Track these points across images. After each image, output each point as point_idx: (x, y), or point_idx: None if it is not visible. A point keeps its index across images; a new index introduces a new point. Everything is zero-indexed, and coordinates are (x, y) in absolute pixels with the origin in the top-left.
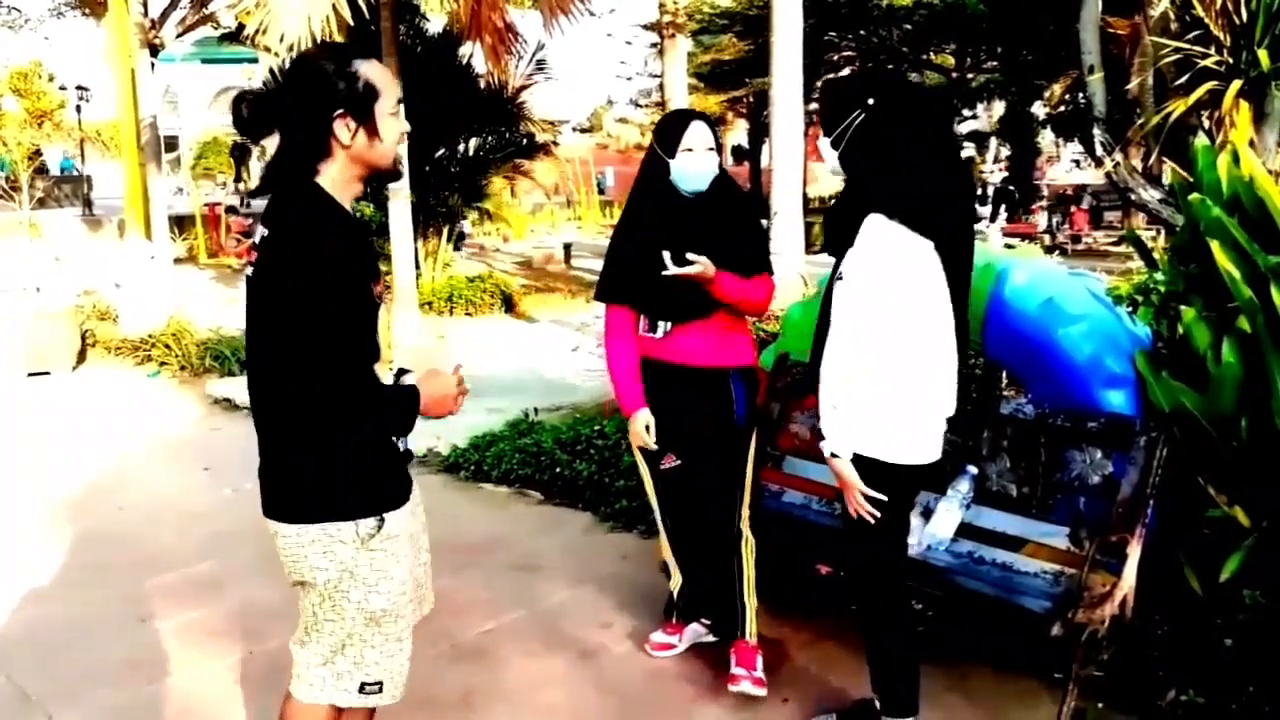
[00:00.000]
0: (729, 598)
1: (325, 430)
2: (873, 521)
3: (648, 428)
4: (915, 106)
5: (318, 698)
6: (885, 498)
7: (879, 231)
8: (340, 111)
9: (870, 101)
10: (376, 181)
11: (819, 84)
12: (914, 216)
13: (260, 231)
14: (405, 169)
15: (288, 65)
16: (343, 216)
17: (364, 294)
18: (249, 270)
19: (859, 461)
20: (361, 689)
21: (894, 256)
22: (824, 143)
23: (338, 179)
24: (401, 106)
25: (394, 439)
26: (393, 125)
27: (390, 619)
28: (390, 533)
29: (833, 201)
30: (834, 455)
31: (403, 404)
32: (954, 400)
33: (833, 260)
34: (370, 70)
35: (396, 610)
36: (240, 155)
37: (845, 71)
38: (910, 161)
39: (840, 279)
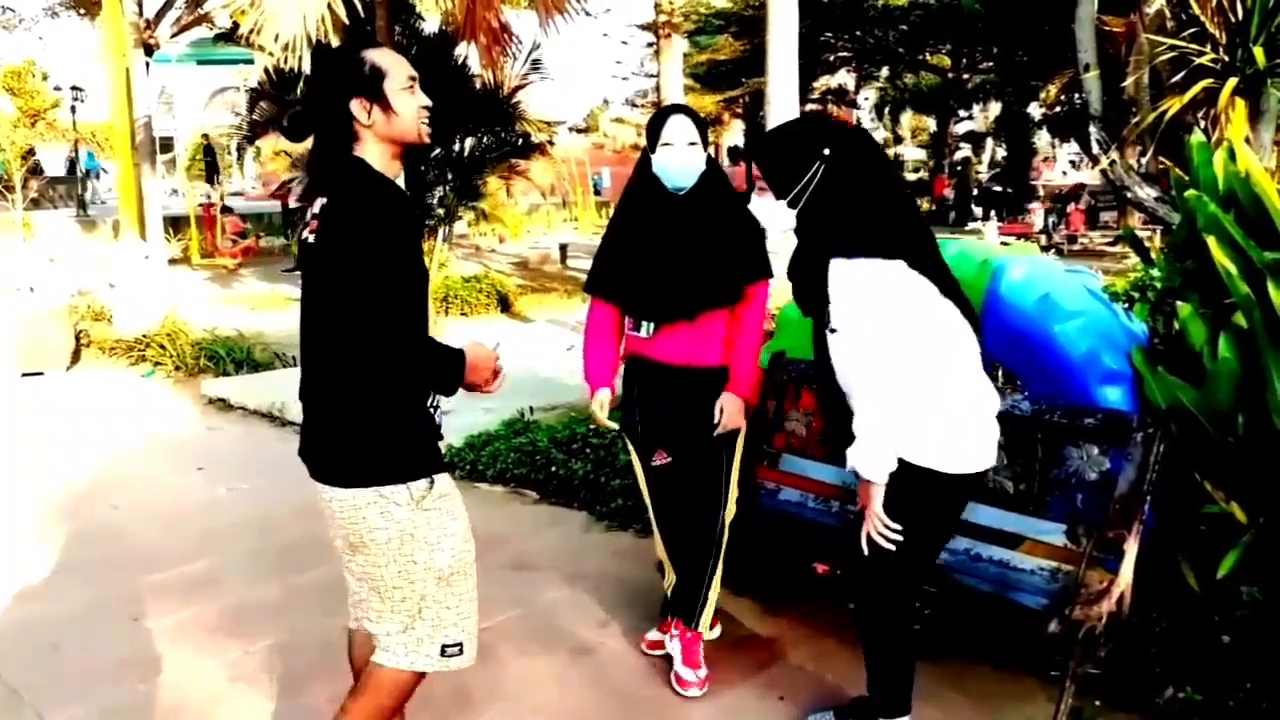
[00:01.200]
0: (690, 583)
1: (381, 389)
2: (893, 547)
3: (603, 406)
4: (864, 147)
5: (402, 663)
6: (901, 531)
7: (847, 273)
8: (353, 95)
9: (826, 152)
10: (409, 157)
11: (759, 136)
12: (872, 245)
13: (318, 201)
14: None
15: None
16: (393, 186)
17: (419, 259)
18: (309, 237)
19: (911, 471)
20: (443, 652)
21: (874, 289)
22: (769, 203)
23: (373, 159)
24: (416, 82)
25: (432, 410)
26: (407, 100)
27: (460, 576)
28: (442, 491)
29: (790, 260)
30: (868, 481)
31: (452, 360)
32: (995, 396)
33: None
34: (375, 55)
35: (464, 567)
36: (211, 157)
37: (842, 78)
38: (868, 200)
39: (834, 331)
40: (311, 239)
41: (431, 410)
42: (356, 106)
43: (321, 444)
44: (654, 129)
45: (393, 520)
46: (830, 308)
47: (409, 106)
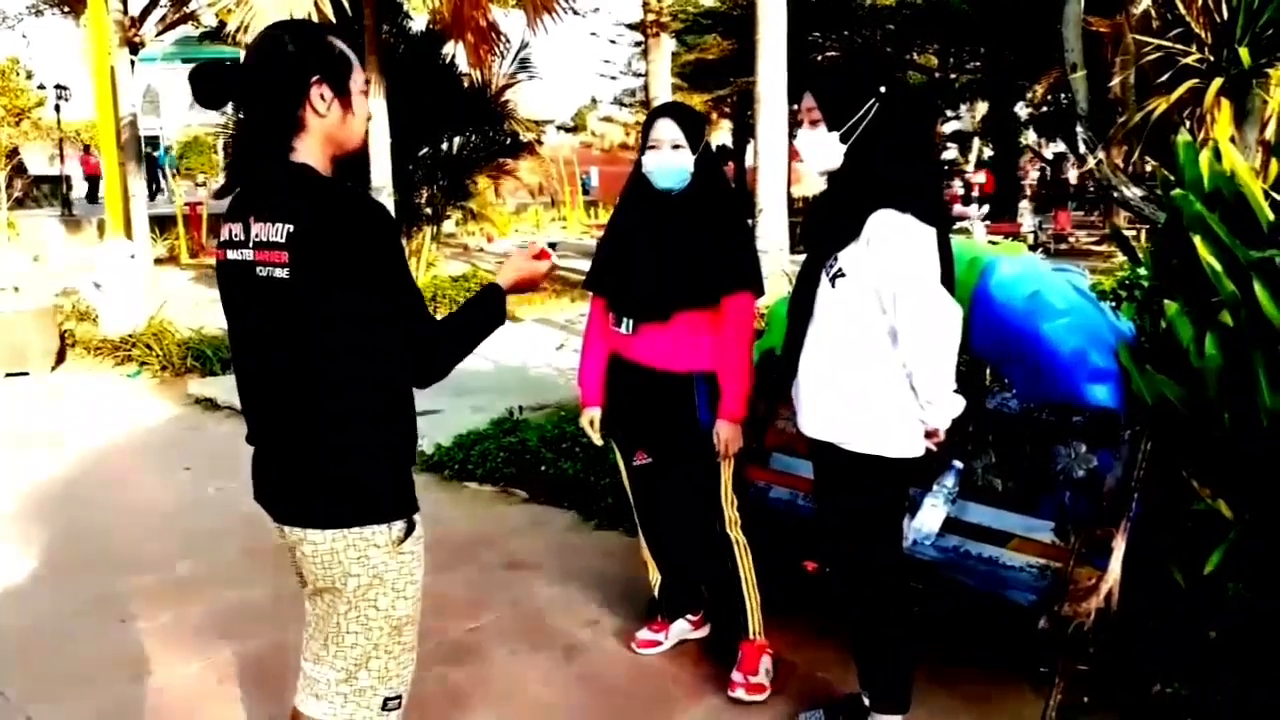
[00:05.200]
0: (724, 599)
1: (375, 412)
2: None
3: (593, 423)
4: (914, 95)
5: (336, 715)
6: (870, 520)
7: (895, 224)
8: (317, 78)
9: (883, 90)
10: (342, 169)
11: (814, 70)
12: (923, 207)
13: (277, 230)
14: (389, 167)
15: (254, 39)
16: (366, 196)
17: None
18: (272, 272)
19: (858, 460)
20: (385, 705)
21: (917, 248)
22: (821, 136)
23: (313, 160)
24: (370, 86)
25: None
26: (363, 103)
27: (410, 626)
28: (418, 534)
29: (823, 194)
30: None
31: (486, 299)
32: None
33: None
34: (343, 45)
35: (415, 615)
36: (150, 163)
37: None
38: (915, 148)
39: (842, 276)
40: (281, 274)
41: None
42: (316, 92)
43: (294, 484)
44: (644, 130)
45: (367, 564)
46: (844, 253)
47: (363, 112)
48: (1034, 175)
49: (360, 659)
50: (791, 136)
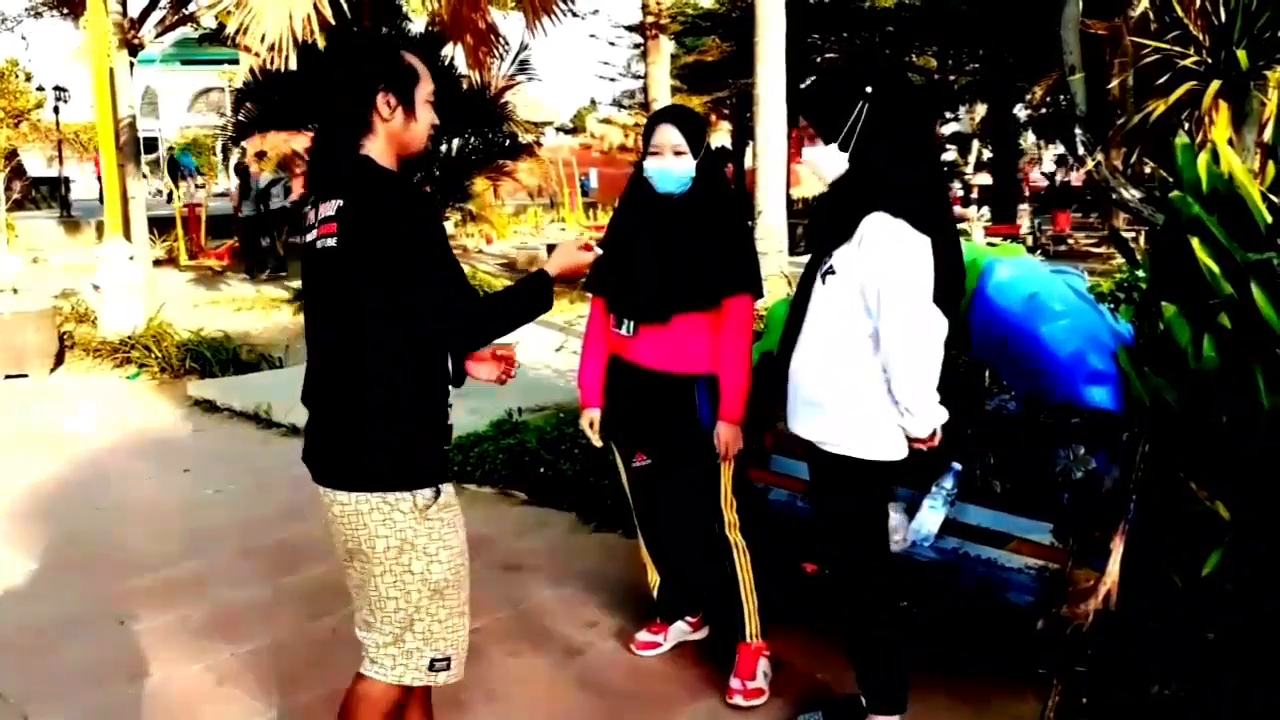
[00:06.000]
0: (723, 601)
1: (411, 388)
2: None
3: (593, 424)
4: (908, 90)
5: (389, 677)
6: (860, 522)
7: (886, 228)
8: (382, 86)
9: (869, 90)
10: (404, 169)
11: (802, 87)
12: (920, 213)
13: (330, 206)
14: None
15: (334, 48)
16: (410, 183)
17: (449, 249)
18: (326, 243)
19: (840, 462)
20: (432, 666)
21: (906, 254)
22: (820, 151)
23: (379, 158)
24: (435, 100)
25: (448, 406)
26: (427, 112)
27: (453, 589)
28: (446, 501)
29: (824, 196)
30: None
31: (534, 282)
32: None
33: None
34: (413, 58)
35: (459, 580)
36: (173, 165)
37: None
38: (914, 149)
39: (832, 273)
40: (331, 243)
41: (449, 409)
42: (381, 100)
43: (329, 446)
44: (646, 134)
45: (394, 528)
46: (838, 252)
47: (426, 119)
48: (1041, 178)
49: (404, 622)
50: (792, 149)
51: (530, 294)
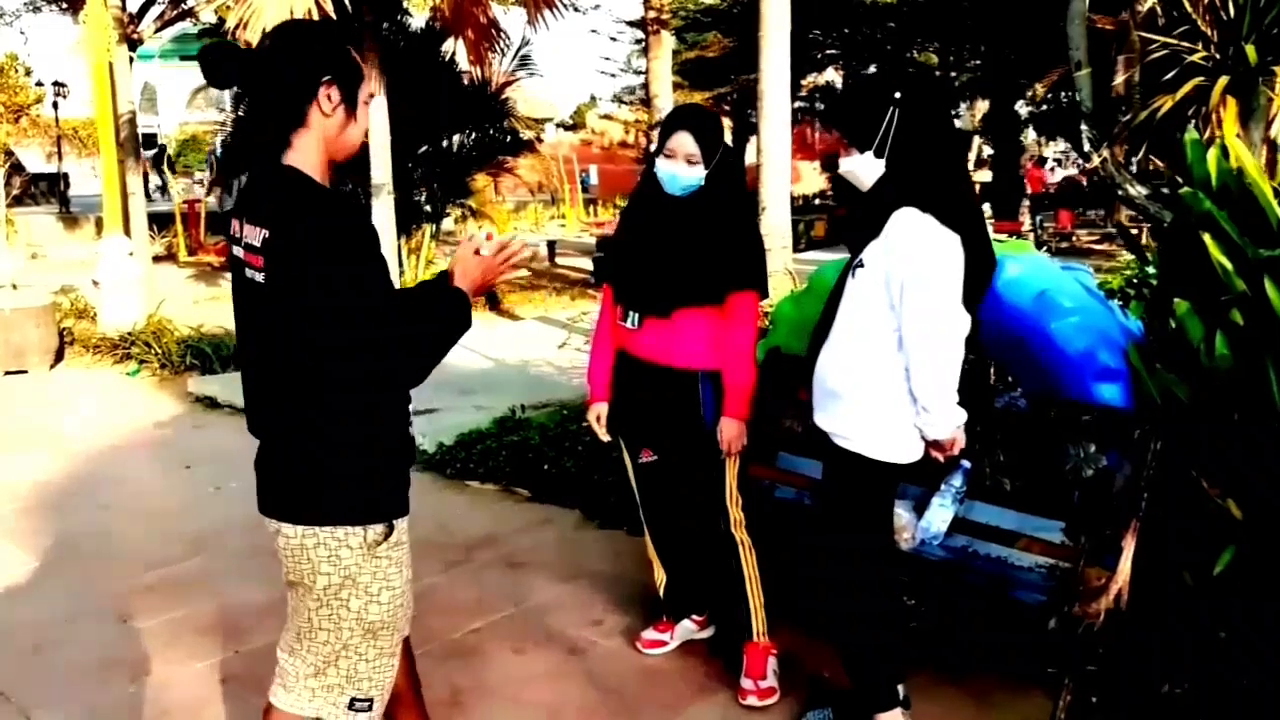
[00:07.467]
0: (728, 599)
1: (363, 416)
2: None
3: (599, 418)
4: (935, 90)
5: (304, 709)
6: (863, 519)
7: (916, 223)
8: (328, 78)
9: (898, 95)
10: (339, 168)
11: (828, 103)
12: (949, 210)
13: (256, 234)
14: (389, 165)
15: (273, 30)
16: (344, 198)
17: (386, 275)
18: (254, 275)
19: (849, 457)
20: (352, 704)
21: (933, 250)
22: (857, 160)
23: (308, 162)
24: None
25: (408, 426)
26: (365, 117)
27: (387, 631)
28: (397, 540)
29: (858, 196)
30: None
31: (451, 305)
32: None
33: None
34: (358, 56)
35: (394, 622)
36: (158, 156)
37: (830, 75)
38: (943, 147)
39: (861, 266)
40: (259, 278)
41: (410, 430)
42: (324, 93)
43: (276, 477)
44: (663, 132)
45: (338, 564)
46: (869, 247)
47: (364, 123)
48: (1051, 176)
49: (330, 656)
50: (795, 148)
51: (451, 322)
